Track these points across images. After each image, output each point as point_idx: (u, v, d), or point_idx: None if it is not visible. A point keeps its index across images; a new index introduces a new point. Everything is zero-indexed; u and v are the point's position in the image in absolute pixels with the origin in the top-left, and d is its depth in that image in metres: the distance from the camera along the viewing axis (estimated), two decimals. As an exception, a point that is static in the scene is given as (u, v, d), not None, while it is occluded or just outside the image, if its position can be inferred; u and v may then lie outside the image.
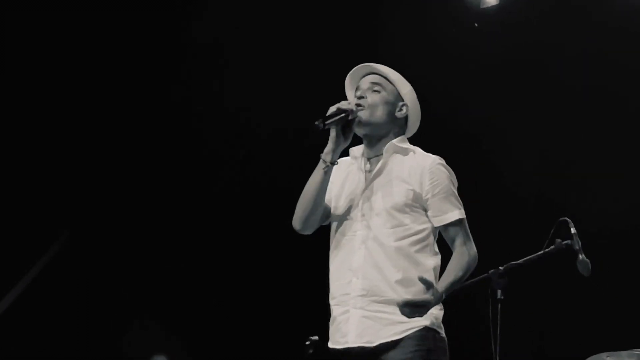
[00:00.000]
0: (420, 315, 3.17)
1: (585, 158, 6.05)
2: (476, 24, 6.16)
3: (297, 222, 3.46)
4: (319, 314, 3.44)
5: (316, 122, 3.28)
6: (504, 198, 6.18)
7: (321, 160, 3.39)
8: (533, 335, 6.09)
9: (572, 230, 3.98)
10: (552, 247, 4.00)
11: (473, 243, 3.39)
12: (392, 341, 3.24)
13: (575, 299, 5.79)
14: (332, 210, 3.47)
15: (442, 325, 3.36)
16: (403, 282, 3.27)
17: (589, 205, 5.78)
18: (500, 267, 3.97)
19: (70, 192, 6.62)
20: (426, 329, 3.27)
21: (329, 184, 3.43)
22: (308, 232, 3.49)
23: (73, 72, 6.42)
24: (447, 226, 3.36)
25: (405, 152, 3.45)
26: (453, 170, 3.48)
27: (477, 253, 3.38)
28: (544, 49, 6.08)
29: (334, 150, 3.37)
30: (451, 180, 3.42)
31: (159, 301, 6.71)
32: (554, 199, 6.05)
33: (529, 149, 6.26)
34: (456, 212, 3.36)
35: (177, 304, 6.75)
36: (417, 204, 3.36)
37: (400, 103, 3.50)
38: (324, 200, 3.43)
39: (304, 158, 3.64)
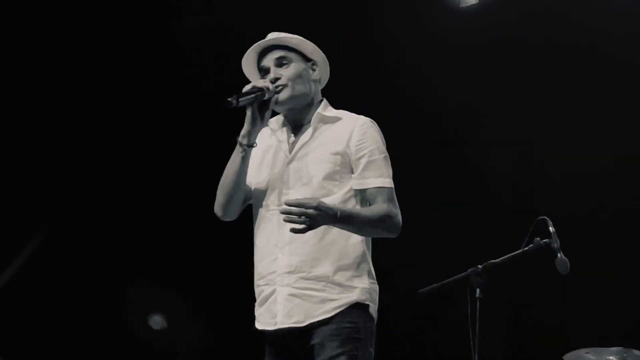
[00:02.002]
0: (308, 225, 2.98)
1: (564, 155, 6.08)
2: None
3: (218, 209, 3.32)
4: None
5: (229, 98, 3.13)
6: (483, 197, 6.20)
7: (238, 144, 3.25)
8: (512, 333, 6.12)
9: (551, 229, 3.99)
10: (530, 245, 4.01)
11: (398, 209, 3.23)
12: (323, 319, 3.12)
13: (554, 297, 5.82)
14: (253, 187, 3.33)
15: (376, 302, 3.24)
16: (332, 256, 3.16)
17: (568, 203, 5.81)
18: (479, 266, 3.98)
19: (49, 188, 6.58)
20: (357, 305, 3.15)
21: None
22: (230, 218, 3.36)
23: (50, 72, 6.39)
24: (366, 190, 3.23)
25: (333, 120, 3.33)
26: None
27: (399, 219, 3.22)
28: (522, 47, 6.10)
29: (250, 133, 3.22)
30: (381, 141, 3.30)
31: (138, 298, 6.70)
32: (533, 198, 6.08)
33: (508, 147, 6.28)
34: (378, 180, 3.24)
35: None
36: (346, 169, 3.25)
37: (310, 64, 3.39)
38: (244, 185, 3.29)
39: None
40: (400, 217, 3.23)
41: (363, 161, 3.24)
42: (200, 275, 6.67)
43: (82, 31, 6.29)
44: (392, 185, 3.27)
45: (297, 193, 3.18)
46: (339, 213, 3.06)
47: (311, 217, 3.00)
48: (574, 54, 5.95)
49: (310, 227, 3.02)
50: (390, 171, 3.29)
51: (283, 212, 3.00)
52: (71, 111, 6.50)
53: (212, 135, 5.63)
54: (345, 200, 3.22)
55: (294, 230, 3.02)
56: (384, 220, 3.18)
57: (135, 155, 6.63)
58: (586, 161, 5.96)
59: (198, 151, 6.44)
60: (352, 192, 3.25)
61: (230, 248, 5.45)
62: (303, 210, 2.99)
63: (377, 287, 3.27)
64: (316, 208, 3.00)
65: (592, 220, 5.86)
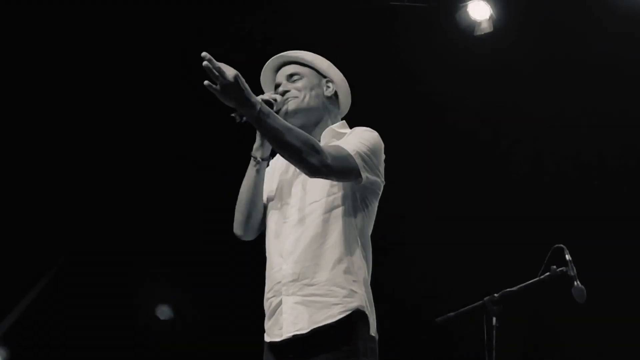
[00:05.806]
0: (219, 87, 2.81)
1: (582, 182, 6.09)
2: None
3: (238, 228, 3.28)
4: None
5: (233, 114, 3.00)
6: (500, 225, 6.20)
7: (252, 158, 3.21)
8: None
9: (567, 257, 3.98)
10: (547, 273, 4.00)
11: (333, 162, 3.02)
12: (324, 332, 3.03)
13: (571, 325, 5.79)
14: (266, 202, 3.29)
15: (374, 315, 3.15)
16: (334, 261, 3.10)
17: (585, 233, 5.80)
18: (495, 294, 3.97)
19: (65, 218, 6.62)
20: (358, 318, 3.06)
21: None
22: (250, 237, 3.31)
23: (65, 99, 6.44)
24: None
25: (341, 135, 3.26)
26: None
27: (324, 160, 2.99)
28: (535, 74, 6.13)
29: (262, 145, 3.19)
30: (368, 138, 3.19)
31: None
32: (549, 225, 6.06)
33: (523, 173, 6.30)
34: (343, 143, 3.11)
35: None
36: None
37: (325, 80, 3.34)
38: (262, 200, 3.26)
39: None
40: (327, 162, 3.00)
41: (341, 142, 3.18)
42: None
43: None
44: (356, 153, 3.09)
45: (302, 201, 3.16)
46: (259, 106, 2.91)
47: (225, 81, 2.83)
48: (587, 79, 5.97)
49: (220, 92, 2.85)
50: (363, 148, 3.12)
51: (204, 58, 2.81)
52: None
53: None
54: (345, 202, 3.16)
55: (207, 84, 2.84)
56: (308, 145, 2.99)
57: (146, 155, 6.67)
58: (606, 194, 5.97)
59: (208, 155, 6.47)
60: (351, 195, 3.18)
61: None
62: (222, 70, 2.82)
63: (372, 301, 3.19)
64: (235, 77, 2.85)
65: (615, 252, 5.86)
